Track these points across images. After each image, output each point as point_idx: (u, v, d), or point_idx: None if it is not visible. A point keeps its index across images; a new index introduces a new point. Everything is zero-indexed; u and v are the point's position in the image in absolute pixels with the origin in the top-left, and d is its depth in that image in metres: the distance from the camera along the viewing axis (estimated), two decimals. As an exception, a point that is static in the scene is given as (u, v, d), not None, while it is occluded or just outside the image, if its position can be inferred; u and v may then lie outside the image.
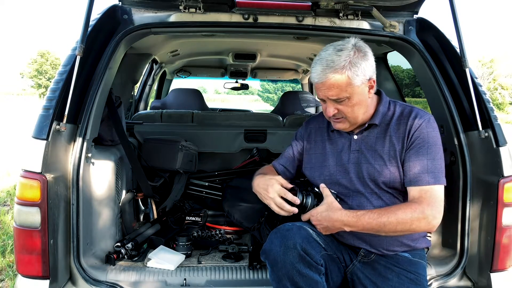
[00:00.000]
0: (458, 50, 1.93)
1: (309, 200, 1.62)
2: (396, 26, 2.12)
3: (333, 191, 1.65)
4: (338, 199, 1.64)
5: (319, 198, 1.63)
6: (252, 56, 4.08)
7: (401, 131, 1.64)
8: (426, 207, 1.52)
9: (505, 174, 1.80)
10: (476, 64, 38.29)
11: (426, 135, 1.61)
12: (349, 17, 2.12)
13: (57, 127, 1.69)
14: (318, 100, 1.69)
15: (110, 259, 1.93)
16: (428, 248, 1.97)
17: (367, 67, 1.58)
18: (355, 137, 1.71)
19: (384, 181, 1.63)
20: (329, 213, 1.56)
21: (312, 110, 4.50)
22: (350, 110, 1.61)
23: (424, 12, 2.20)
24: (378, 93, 1.75)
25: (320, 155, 1.79)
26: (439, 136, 1.65)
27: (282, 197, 1.61)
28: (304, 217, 1.63)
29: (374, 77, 1.62)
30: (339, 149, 1.74)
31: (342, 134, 1.75)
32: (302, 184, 1.75)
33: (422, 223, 1.51)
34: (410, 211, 1.51)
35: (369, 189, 1.65)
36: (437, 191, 1.57)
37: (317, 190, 1.65)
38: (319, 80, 1.58)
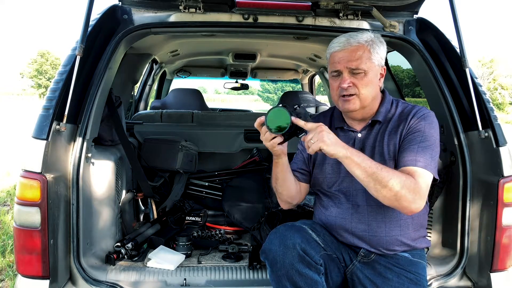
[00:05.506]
0: (458, 50, 1.94)
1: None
2: (396, 26, 2.12)
3: None
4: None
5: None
6: (252, 56, 4.07)
7: (401, 127, 1.65)
8: (418, 183, 1.48)
9: (505, 174, 1.80)
10: (476, 64, 38.30)
11: (422, 127, 1.61)
12: (349, 17, 2.12)
13: (57, 127, 1.69)
14: (331, 75, 1.68)
15: (110, 259, 1.93)
16: (428, 248, 1.97)
17: (382, 53, 1.67)
18: (359, 135, 1.72)
19: None
20: (334, 137, 1.45)
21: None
22: (364, 87, 1.63)
23: (424, 12, 2.21)
24: (382, 92, 1.77)
25: (322, 152, 1.78)
26: (437, 131, 1.64)
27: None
28: (311, 125, 1.45)
29: (384, 68, 1.70)
30: None
31: (346, 133, 1.75)
32: None
33: (410, 193, 1.45)
34: (405, 177, 1.47)
35: None
36: (426, 177, 1.52)
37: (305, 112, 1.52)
38: (342, 47, 1.63)
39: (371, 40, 1.64)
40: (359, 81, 1.62)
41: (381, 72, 1.68)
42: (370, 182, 1.46)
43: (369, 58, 1.62)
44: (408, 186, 1.46)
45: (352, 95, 1.63)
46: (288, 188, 1.73)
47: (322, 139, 1.42)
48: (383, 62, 1.67)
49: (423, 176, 1.52)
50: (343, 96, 1.64)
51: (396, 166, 1.60)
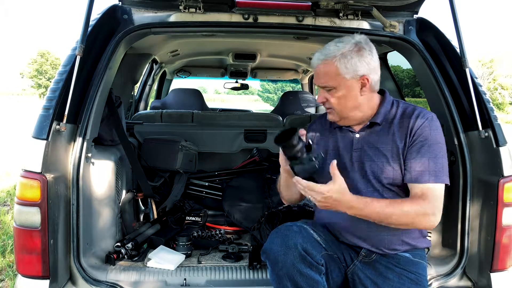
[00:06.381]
0: (458, 50, 1.94)
1: (302, 145, 1.51)
2: (396, 26, 2.12)
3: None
4: None
5: (308, 147, 1.55)
6: (252, 56, 4.08)
7: (404, 130, 1.65)
8: (428, 204, 1.54)
9: (505, 174, 1.80)
10: (476, 64, 38.24)
11: (428, 134, 1.61)
12: (349, 17, 2.12)
13: (57, 127, 1.69)
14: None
15: (110, 259, 1.93)
16: (428, 249, 1.96)
17: (360, 64, 1.59)
18: (357, 135, 1.72)
19: (387, 178, 1.63)
20: (339, 195, 1.51)
21: (312, 110, 4.49)
22: (337, 102, 1.64)
23: (424, 12, 2.20)
24: (382, 92, 1.76)
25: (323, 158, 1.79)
26: (442, 134, 1.65)
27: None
28: (312, 187, 1.51)
29: (371, 76, 1.62)
30: (341, 147, 1.74)
31: (344, 133, 1.76)
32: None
33: (425, 219, 1.53)
34: (415, 205, 1.53)
35: (371, 187, 1.65)
36: (438, 190, 1.58)
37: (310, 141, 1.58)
38: (312, 65, 1.68)
39: (341, 53, 1.58)
40: (331, 97, 1.64)
41: (361, 82, 1.62)
42: (381, 223, 1.56)
43: (338, 74, 1.59)
44: (420, 213, 1.53)
45: (330, 107, 1.68)
46: (289, 193, 1.80)
47: (321, 206, 1.53)
48: (361, 73, 1.60)
49: (436, 192, 1.57)
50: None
51: (406, 175, 1.61)
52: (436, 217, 1.55)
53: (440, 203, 1.57)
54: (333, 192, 1.50)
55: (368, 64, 1.61)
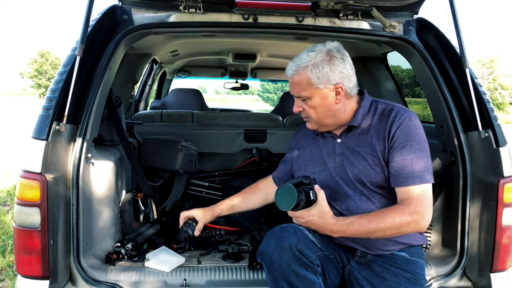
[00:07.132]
0: (458, 50, 1.93)
1: (303, 198, 1.55)
2: (396, 26, 2.12)
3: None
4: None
5: (310, 201, 1.58)
6: (252, 56, 4.08)
7: (382, 131, 1.63)
8: (414, 208, 1.52)
9: (505, 174, 1.80)
10: (476, 64, 38.22)
11: (407, 134, 1.59)
12: (349, 17, 2.12)
13: (57, 127, 1.68)
14: None
15: (110, 259, 1.93)
16: (425, 246, 1.96)
17: (332, 73, 1.60)
18: (338, 140, 1.72)
19: (370, 181, 1.63)
20: (320, 219, 1.55)
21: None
22: (313, 111, 1.66)
23: (424, 12, 2.20)
24: (361, 93, 1.75)
25: (309, 161, 1.79)
26: (423, 133, 1.62)
27: None
28: (293, 214, 1.58)
29: (345, 84, 1.62)
30: (325, 153, 1.75)
31: (326, 139, 1.76)
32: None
33: (411, 225, 1.52)
34: (398, 215, 1.51)
35: (358, 191, 1.65)
36: (424, 191, 1.56)
37: (310, 193, 1.58)
38: (286, 75, 1.68)
39: (312, 63, 1.59)
40: (306, 107, 1.66)
41: (336, 91, 1.62)
42: (370, 238, 1.58)
43: (310, 85, 1.60)
44: (405, 222, 1.51)
45: (306, 117, 1.69)
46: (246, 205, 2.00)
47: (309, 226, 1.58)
48: (334, 81, 1.60)
49: (423, 193, 1.55)
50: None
51: (390, 179, 1.60)
52: (425, 220, 1.53)
53: (429, 204, 1.55)
54: (313, 216, 1.54)
55: (341, 73, 1.61)
